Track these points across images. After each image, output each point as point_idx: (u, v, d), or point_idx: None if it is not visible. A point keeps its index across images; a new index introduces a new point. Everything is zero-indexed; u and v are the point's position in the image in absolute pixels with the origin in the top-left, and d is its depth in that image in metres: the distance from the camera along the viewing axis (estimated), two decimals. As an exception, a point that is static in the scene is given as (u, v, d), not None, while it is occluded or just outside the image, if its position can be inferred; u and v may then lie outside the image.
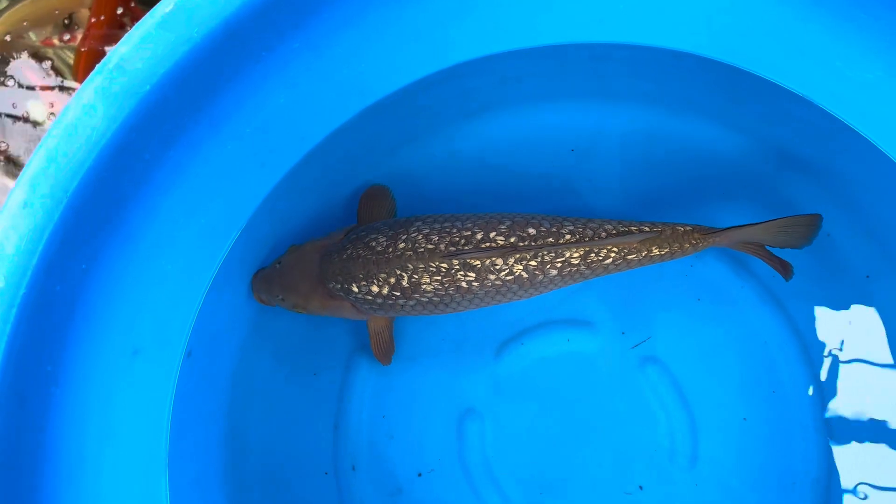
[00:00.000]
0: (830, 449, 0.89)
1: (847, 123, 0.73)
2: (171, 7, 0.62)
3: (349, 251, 0.79)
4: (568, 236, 0.76)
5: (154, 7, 0.62)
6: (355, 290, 0.79)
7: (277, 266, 0.83)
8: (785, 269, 0.82)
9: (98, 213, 0.64)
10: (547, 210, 0.81)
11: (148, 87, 0.62)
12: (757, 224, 0.78)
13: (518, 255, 0.75)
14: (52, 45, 1.07)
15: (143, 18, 0.62)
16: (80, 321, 0.65)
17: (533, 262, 0.76)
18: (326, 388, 0.91)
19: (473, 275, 0.76)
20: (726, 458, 0.90)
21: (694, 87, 0.81)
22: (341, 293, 0.80)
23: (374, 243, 0.78)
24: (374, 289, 0.78)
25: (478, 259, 0.75)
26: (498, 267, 0.76)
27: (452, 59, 0.74)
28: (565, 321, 0.93)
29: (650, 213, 0.91)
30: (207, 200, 0.71)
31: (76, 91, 0.62)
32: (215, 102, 0.68)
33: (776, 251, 0.82)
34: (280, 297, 0.82)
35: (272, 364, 0.88)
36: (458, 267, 0.76)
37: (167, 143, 0.67)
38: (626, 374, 0.92)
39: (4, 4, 1.06)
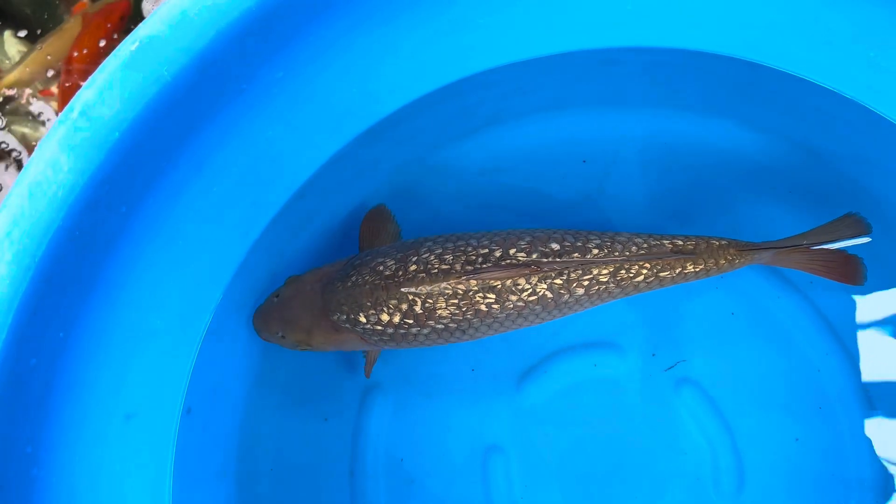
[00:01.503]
0: (886, 468, 0.84)
1: (882, 115, 0.70)
2: (136, 45, 0.57)
3: (354, 278, 0.74)
4: (595, 251, 0.72)
5: (118, 46, 0.57)
6: (363, 320, 0.73)
7: (275, 300, 0.77)
8: (850, 275, 0.77)
9: (72, 276, 0.60)
10: (566, 227, 0.77)
11: (117, 134, 0.58)
12: (799, 236, 0.74)
13: (542, 273, 0.70)
14: (51, 94, 1.05)
15: (107, 59, 0.57)
16: (62, 394, 0.62)
17: (558, 281, 0.71)
18: (339, 433, 0.87)
19: (494, 296, 0.71)
20: (775, 483, 0.86)
21: (713, 87, 0.78)
22: (347, 325, 0.75)
23: (381, 267, 0.73)
24: (385, 317, 0.72)
25: (498, 279, 0.69)
26: (520, 287, 0.71)
27: (451, 77, 0.70)
28: (590, 344, 0.89)
29: (676, 223, 0.88)
30: (194, 246, 0.68)
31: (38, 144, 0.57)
32: (195, 143, 0.65)
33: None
34: (280, 333, 0.77)
35: (279, 413, 0.84)
36: (476, 288, 0.71)
37: (143, 192, 0.63)
38: (659, 398, 0.88)
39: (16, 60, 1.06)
